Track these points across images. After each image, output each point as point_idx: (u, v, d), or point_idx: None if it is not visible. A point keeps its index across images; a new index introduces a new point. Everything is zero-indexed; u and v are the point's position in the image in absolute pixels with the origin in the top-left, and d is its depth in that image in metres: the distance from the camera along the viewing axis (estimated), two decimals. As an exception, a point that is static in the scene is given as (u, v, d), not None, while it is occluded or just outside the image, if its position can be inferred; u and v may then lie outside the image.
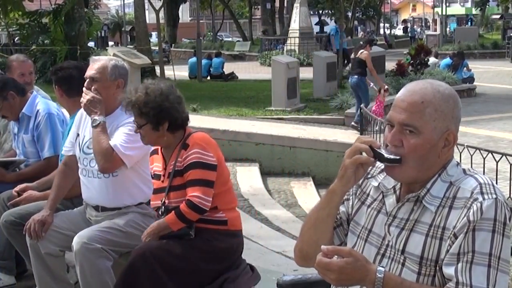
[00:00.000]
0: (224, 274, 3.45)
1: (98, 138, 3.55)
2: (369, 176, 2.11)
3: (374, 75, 12.62)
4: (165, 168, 3.49)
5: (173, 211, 3.37)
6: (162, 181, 3.48)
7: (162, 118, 3.39)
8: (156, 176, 3.53)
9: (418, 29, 55.82)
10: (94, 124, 3.56)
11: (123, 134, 3.58)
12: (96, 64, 3.68)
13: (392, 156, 1.91)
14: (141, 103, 3.38)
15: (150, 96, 3.39)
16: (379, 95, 12.22)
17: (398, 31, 58.35)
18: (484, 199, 1.84)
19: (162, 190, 3.45)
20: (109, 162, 3.53)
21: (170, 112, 3.41)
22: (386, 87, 12.47)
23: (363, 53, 12.36)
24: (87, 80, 3.66)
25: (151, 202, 3.54)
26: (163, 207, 3.43)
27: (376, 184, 2.08)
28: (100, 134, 3.55)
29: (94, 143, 3.57)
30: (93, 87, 3.61)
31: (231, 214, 3.53)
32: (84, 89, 3.61)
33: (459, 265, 1.82)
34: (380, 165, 2.03)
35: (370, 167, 2.05)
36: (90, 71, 3.67)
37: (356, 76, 12.32)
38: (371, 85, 12.45)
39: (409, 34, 43.29)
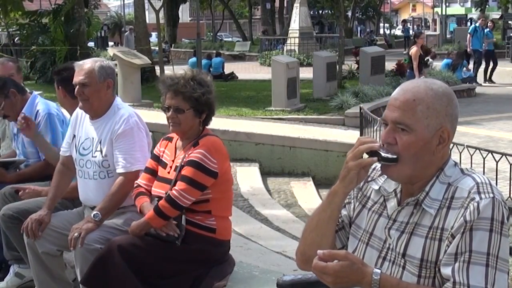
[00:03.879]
0: (198, 270, 3.42)
1: (113, 207, 3.56)
2: (369, 179, 2.12)
3: (415, 70, 14.42)
4: (173, 160, 3.47)
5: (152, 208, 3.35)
6: (169, 172, 3.45)
7: (206, 105, 3.35)
8: (162, 163, 3.51)
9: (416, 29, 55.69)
10: (97, 219, 3.50)
11: (123, 153, 3.57)
12: (82, 69, 3.63)
13: (389, 155, 1.92)
14: (191, 86, 3.30)
15: (201, 81, 3.33)
16: None
17: (398, 31, 58.22)
18: (481, 198, 1.84)
19: (169, 182, 3.42)
20: (130, 185, 3.55)
21: (212, 104, 3.40)
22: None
23: (413, 49, 14.66)
24: (77, 87, 3.62)
25: (153, 189, 3.48)
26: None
27: (376, 187, 2.09)
28: (110, 211, 3.56)
29: (116, 203, 3.58)
30: (85, 92, 3.59)
31: (222, 223, 3.49)
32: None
33: (456, 265, 1.82)
34: (379, 167, 2.03)
35: (371, 170, 2.08)
36: (78, 77, 3.62)
37: (408, 70, 14.99)
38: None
39: (404, 34, 43.23)
